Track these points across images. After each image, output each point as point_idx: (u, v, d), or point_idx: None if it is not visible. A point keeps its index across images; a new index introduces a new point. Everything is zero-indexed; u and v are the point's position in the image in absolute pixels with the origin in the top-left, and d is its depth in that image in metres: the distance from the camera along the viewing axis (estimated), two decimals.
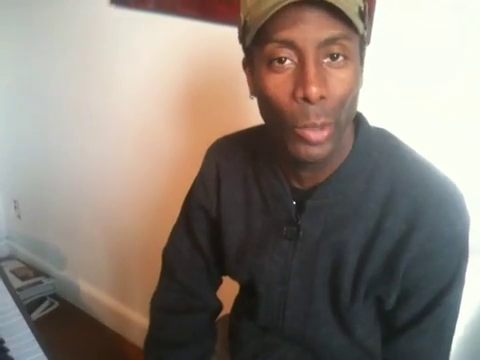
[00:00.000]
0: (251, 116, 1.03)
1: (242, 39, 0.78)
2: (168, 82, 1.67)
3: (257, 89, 0.78)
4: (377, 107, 1.16)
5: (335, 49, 0.70)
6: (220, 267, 1.06)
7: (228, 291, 1.14)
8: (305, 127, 0.72)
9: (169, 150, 1.75)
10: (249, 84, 0.82)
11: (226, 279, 1.11)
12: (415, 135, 1.15)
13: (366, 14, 0.74)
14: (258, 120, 0.98)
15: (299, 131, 0.73)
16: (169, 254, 1.12)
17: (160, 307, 1.12)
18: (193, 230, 1.05)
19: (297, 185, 0.88)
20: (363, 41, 0.76)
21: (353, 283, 0.85)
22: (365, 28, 0.75)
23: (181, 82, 1.63)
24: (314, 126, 0.72)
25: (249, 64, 0.80)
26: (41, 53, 2.09)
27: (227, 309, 1.17)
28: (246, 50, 0.79)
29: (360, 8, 0.72)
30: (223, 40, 1.43)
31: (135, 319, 2.08)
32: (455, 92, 1.12)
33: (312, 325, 0.91)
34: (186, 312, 1.08)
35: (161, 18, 1.59)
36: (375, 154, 0.84)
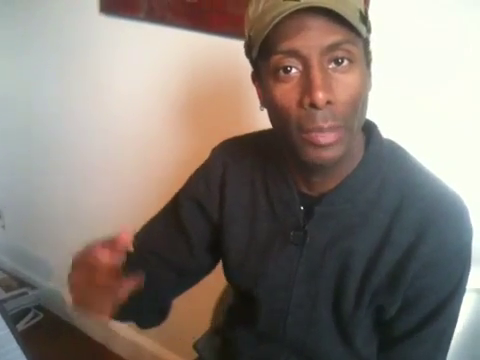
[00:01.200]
0: (246, 125, 1.02)
1: (248, 53, 0.79)
2: (159, 91, 1.66)
3: (266, 100, 0.79)
4: (377, 107, 1.15)
5: (339, 54, 0.71)
6: (196, 271, 1.03)
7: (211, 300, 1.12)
8: (312, 131, 0.73)
9: (162, 160, 1.74)
10: (259, 96, 0.83)
11: (209, 288, 1.09)
12: (415, 135, 1.16)
13: (368, 17, 0.75)
14: (253, 129, 0.98)
15: (306, 136, 0.74)
16: (140, 238, 1.00)
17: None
18: (185, 226, 0.99)
19: (306, 191, 0.88)
20: (368, 44, 0.77)
21: (358, 291, 0.85)
22: (368, 31, 0.76)
23: (172, 92, 1.62)
24: (321, 130, 0.73)
25: (257, 77, 0.81)
26: (29, 63, 2.07)
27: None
28: (253, 64, 0.81)
29: (361, 12, 0.73)
30: (215, 50, 1.43)
31: (121, 330, 2.04)
32: (455, 92, 1.12)
33: (314, 332, 0.90)
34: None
35: (152, 27, 1.59)
36: (385, 165, 0.85)
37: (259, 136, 1.00)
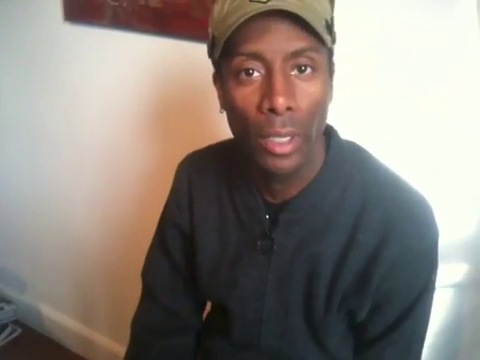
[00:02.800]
0: (212, 129, 1.01)
1: (211, 53, 0.77)
2: (126, 97, 1.65)
3: (226, 102, 0.77)
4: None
5: (303, 61, 0.70)
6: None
7: None
8: (269, 136, 0.71)
9: (134, 170, 1.72)
10: (219, 98, 0.82)
11: None
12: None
13: (333, 27, 0.74)
14: (219, 135, 0.97)
15: (263, 141, 0.72)
16: (148, 276, 1.08)
17: (143, 328, 1.08)
18: (169, 249, 1.02)
19: (270, 199, 0.87)
20: (332, 54, 0.76)
21: (327, 296, 0.85)
22: (333, 42, 0.75)
23: (140, 97, 1.61)
24: (278, 135, 0.71)
25: (219, 78, 0.80)
26: None
27: None
28: (215, 64, 0.79)
29: (327, 21, 0.71)
30: (180, 54, 1.43)
31: (101, 342, 2.03)
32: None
33: (288, 340, 0.90)
34: (170, 333, 1.06)
35: (117, 33, 1.57)
36: (347, 167, 0.84)
37: (222, 145, 0.99)
